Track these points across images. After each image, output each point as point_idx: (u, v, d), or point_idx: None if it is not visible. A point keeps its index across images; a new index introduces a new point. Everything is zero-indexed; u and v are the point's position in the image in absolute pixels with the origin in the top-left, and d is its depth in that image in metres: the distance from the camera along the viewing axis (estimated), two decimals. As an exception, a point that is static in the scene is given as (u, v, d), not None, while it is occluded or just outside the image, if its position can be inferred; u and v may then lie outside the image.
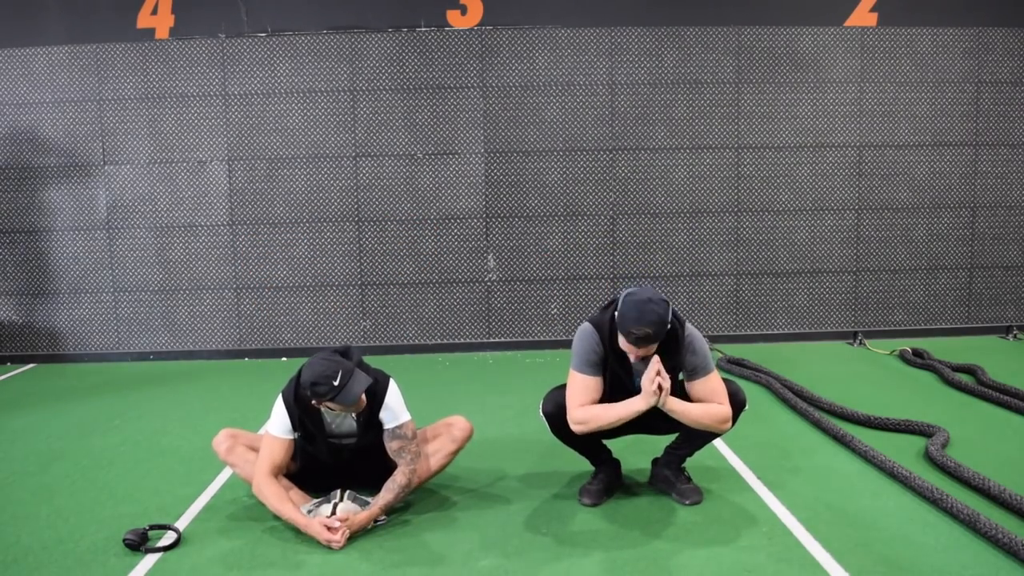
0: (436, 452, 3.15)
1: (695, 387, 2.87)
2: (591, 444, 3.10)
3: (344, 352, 2.92)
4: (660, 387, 2.69)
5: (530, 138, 6.00)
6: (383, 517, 2.92)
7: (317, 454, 3.01)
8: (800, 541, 2.72)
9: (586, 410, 2.83)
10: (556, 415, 2.95)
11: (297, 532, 2.84)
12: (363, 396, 2.83)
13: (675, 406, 2.76)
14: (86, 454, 3.83)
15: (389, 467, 2.98)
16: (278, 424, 2.91)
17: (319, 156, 5.96)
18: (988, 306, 6.33)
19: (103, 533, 2.88)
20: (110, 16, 5.84)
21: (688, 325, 2.90)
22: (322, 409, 2.88)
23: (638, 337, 2.65)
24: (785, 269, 6.19)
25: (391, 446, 2.94)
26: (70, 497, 3.26)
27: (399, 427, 2.94)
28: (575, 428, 2.85)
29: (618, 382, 2.90)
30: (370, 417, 2.94)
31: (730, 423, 2.87)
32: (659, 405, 2.73)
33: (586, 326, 2.90)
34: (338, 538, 2.70)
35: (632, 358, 2.79)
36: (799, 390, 4.50)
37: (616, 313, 2.75)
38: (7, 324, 6.08)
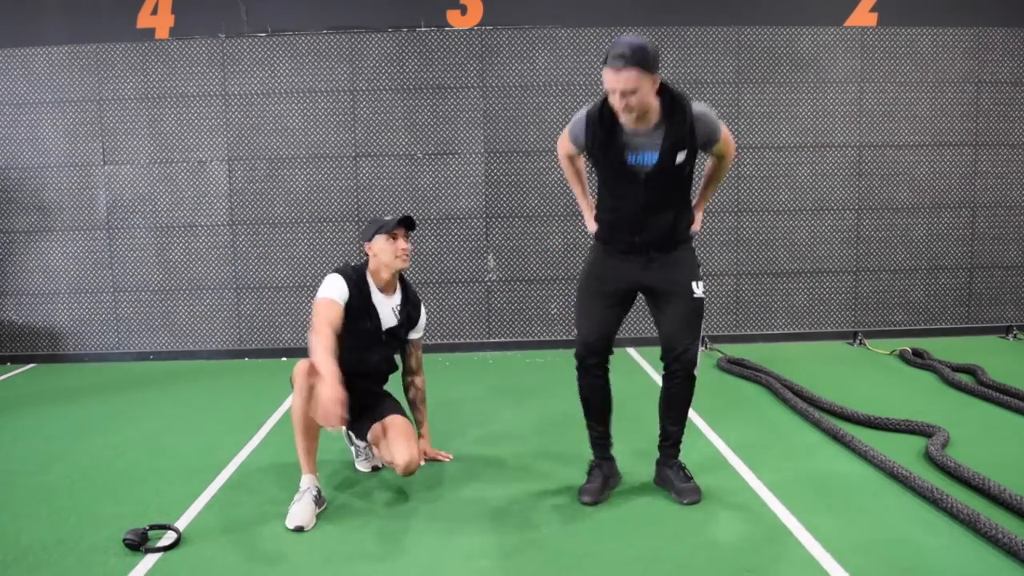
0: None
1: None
2: (602, 410, 3.14)
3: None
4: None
5: (530, 138, 6.00)
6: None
7: (361, 332, 3.19)
8: (800, 541, 2.72)
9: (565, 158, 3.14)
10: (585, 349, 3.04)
11: (297, 531, 2.86)
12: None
13: (701, 211, 3.11)
14: (86, 454, 3.83)
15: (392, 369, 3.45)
16: (335, 289, 3.11)
17: (319, 156, 5.96)
18: (988, 306, 6.33)
19: (103, 533, 2.88)
20: (110, 16, 5.84)
21: (699, 103, 2.88)
22: (370, 284, 3.23)
23: (614, 56, 2.63)
24: (785, 269, 6.19)
25: (417, 355, 3.48)
26: (70, 497, 3.26)
27: (419, 342, 3.49)
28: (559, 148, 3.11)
29: (611, 153, 2.89)
30: (409, 309, 3.36)
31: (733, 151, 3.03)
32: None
33: (580, 112, 2.97)
34: (340, 415, 2.76)
35: (621, 116, 2.77)
36: (799, 390, 4.50)
37: None
38: (7, 324, 6.08)
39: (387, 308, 3.30)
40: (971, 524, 2.72)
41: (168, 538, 2.78)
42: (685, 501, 3.04)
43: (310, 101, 5.92)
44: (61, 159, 5.93)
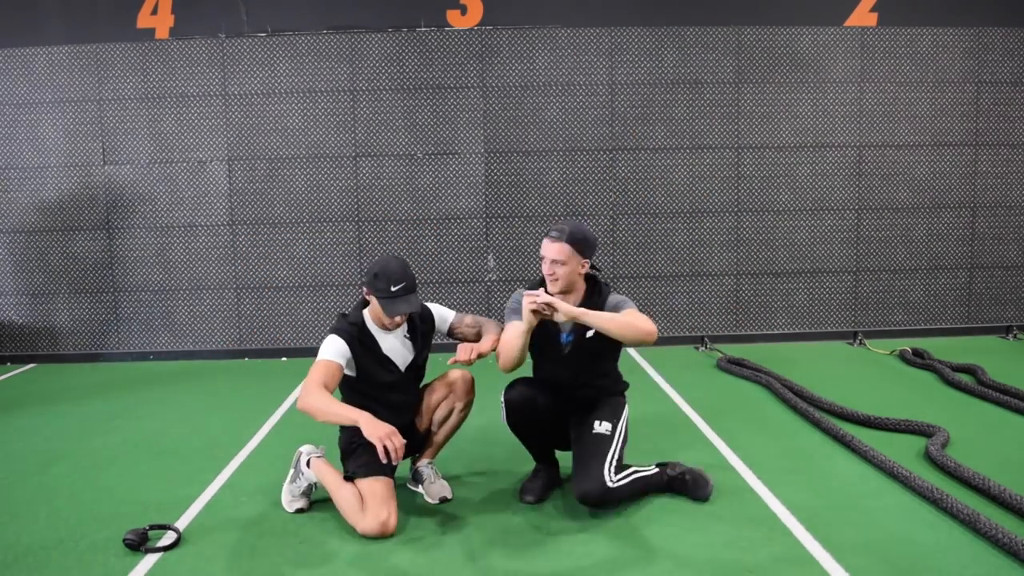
0: (447, 417, 3.34)
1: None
2: (541, 441, 3.25)
3: None
4: (543, 304, 2.82)
5: (530, 138, 6.00)
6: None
7: (371, 376, 3.04)
8: (800, 541, 2.72)
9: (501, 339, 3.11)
10: (515, 403, 3.19)
11: (297, 531, 2.86)
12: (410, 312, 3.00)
13: (589, 318, 2.85)
14: (86, 454, 3.83)
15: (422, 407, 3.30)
16: (332, 350, 2.92)
17: (319, 156, 5.96)
18: (988, 306, 6.33)
19: (103, 533, 2.88)
20: (110, 16, 5.84)
21: (617, 295, 3.07)
22: (373, 331, 3.05)
23: (556, 228, 2.96)
24: (785, 269, 6.19)
25: (467, 324, 3.32)
26: (70, 497, 3.26)
27: (459, 316, 3.32)
28: (499, 352, 3.13)
29: (543, 330, 3.05)
30: (422, 333, 3.22)
31: (654, 335, 2.91)
32: (563, 318, 2.83)
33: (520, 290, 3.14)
34: (398, 446, 2.66)
35: (548, 284, 3.01)
36: (799, 390, 4.50)
37: None
38: (7, 324, 6.08)
39: (395, 342, 3.14)
40: (971, 524, 2.72)
41: (168, 538, 2.79)
42: (698, 495, 3.09)
43: (310, 101, 5.92)
44: (61, 159, 5.93)
